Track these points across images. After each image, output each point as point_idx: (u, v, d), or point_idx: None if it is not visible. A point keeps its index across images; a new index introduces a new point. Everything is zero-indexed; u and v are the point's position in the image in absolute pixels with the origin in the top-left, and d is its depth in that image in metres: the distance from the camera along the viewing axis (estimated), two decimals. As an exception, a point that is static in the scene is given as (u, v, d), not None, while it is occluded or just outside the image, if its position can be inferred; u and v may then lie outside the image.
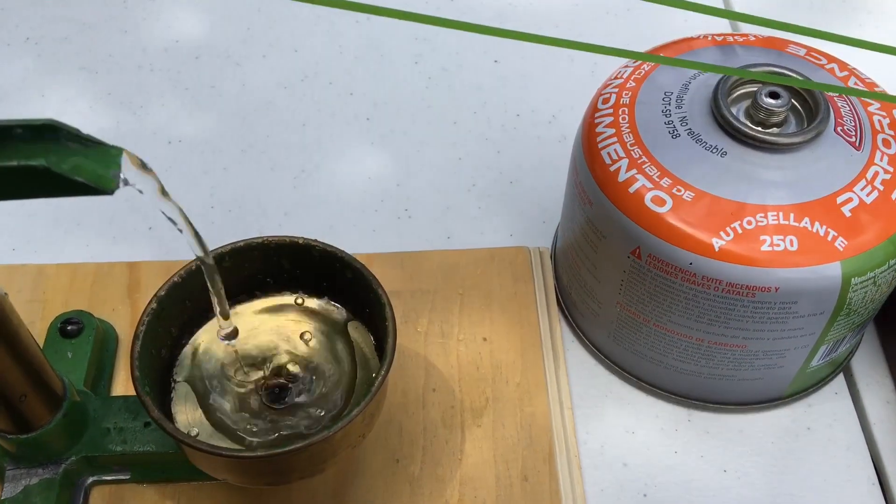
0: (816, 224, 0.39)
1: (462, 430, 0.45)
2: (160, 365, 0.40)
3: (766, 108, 0.40)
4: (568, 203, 0.47)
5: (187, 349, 0.41)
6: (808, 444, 0.46)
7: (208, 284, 0.36)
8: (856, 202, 0.39)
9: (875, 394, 0.47)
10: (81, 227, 0.54)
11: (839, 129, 0.41)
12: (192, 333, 0.41)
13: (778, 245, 0.38)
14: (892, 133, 0.42)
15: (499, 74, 0.63)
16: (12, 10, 0.66)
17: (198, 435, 0.38)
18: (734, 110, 0.41)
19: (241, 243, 0.41)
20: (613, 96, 0.44)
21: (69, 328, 0.45)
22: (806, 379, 0.46)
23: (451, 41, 0.64)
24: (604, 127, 0.43)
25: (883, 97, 0.41)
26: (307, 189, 0.56)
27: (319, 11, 0.65)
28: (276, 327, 0.42)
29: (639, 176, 0.40)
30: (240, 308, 0.43)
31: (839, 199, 0.39)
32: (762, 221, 0.39)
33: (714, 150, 0.40)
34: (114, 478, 0.42)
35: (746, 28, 0.65)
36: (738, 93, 0.42)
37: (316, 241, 0.41)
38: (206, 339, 0.42)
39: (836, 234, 0.39)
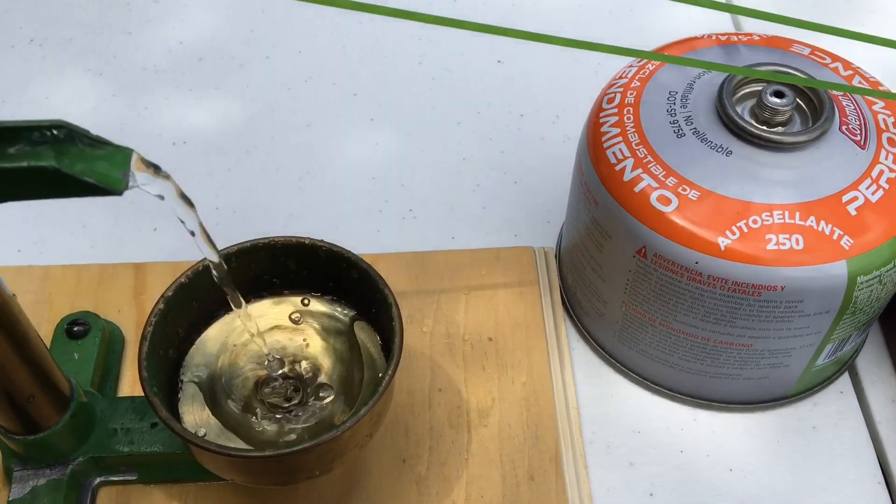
0: (822, 223, 0.39)
1: (468, 430, 0.45)
2: (167, 365, 0.40)
3: (771, 108, 0.40)
4: (573, 203, 0.47)
5: (194, 350, 0.41)
6: (813, 443, 0.46)
7: (220, 284, 0.36)
8: (861, 201, 0.39)
9: (881, 392, 0.48)
10: (87, 228, 0.54)
11: (844, 127, 0.41)
12: (198, 334, 0.41)
13: (784, 244, 0.38)
14: (897, 132, 0.42)
15: (502, 75, 0.63)
16: (17, 11, 0.66)
17: (205, 435, 0.38)
18: (739, 109, 0.41)
19: (248, 244, 0.41)
20: (618, 96, 0.44)
21: (76, 329, 0.45)
22: (811, 378, 0.46)
23: (454, 42, 0.64)
24: (609, 126, 0.43)
25: (888, 95, 0.41)
26: (312, 190, 0.56)
27: (323, 12, 0.65)
28: (282, 327, 0.42)
29: (644, 175, 0.41)
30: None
31: (844, 198, 0.39)
32: (768, 220, 0.39)
33: (719, 150, 0.40)
34: (121, 478, 0.42)
35: (750, 27, 0.65)
36: (743, 92, 0.42)
37: (322, 241, 0.41)
38: (214, 339, 0.42)
39: (841, 233, 0.39)
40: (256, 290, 0.43)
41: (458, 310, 0.49)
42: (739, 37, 0.46)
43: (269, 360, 0.41)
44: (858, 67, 0.45)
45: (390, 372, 0.37)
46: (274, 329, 0.42)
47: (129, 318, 0.48)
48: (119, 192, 0.28)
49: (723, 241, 0.39)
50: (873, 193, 0.39)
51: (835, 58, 0.45)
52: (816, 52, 0.45)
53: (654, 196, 0.40)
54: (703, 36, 0.46)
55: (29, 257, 0.52)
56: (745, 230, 0.39)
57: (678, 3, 0.37)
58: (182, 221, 0.33)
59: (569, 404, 0.46)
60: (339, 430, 0.35)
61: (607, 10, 0.67)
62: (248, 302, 0.42)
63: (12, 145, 0.27)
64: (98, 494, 0.42)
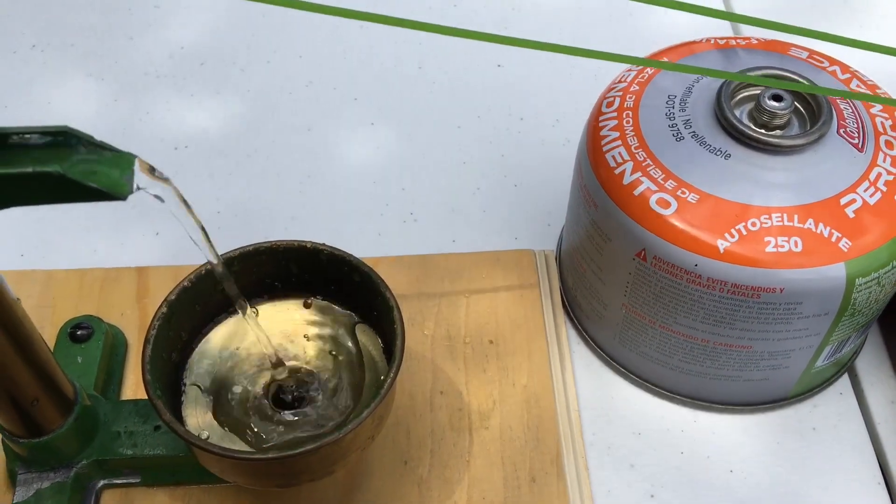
0: (820, 225, 0.39)
1: (470, 433, 0.45)
2: (170, 369, 0.40)
3: (770, 111, 0.40)
4: (573, 206, 0.47)
5: (197, 353, 0.41)
6: (813, 444, 0.46)
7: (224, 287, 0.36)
8: (859, 203, 0.39)
9: (880, 393, 0.48)
10: (89, 232, 0.54)
11: (842, 130, 0.41)
12: (201, 337, 0.42)
13: (782, 246, 0.39)
14: (894, 135, 0.42)
15: (502, 78, 0.63)
16: (18, 17, 0.67)
17: (208, 438, 0.39)
18: (737, 113, 0.41)
19: (250, 247, 0.41)
20: (617, 100, 0.44)
21: (79, 333, 0.45)
22: (811, 379, 0.46)
23: (454, 46, 0.65)
24: (608, 130, 0.43)
25: (885, 101, 0.41)
26: (313, 193, 0.57)
27: (323, 17, 0.66)
28: (284, 331, 0.42)
29: (643, 178, 0.41)
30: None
31: (843, 201, 0.39)
32: (766, 223, 0.39)
33: (718, 153, 0.41)
34: (124, 481, 0.43)
35: (748, 31, 0.65)
36: (742, 95, 0.42)
37: (324, 244, 0.41)
38: (217, 342, 0.42)
39: (840, 235, 0.39)
40: (258, 293, 0.43)
41: (459, 312, 0.49)
42: (738, 40, 0.47)
43: (270, 363, 0.41)
44: (856, 71, 0.45)
45: (392, 375, 0.37)
46: (276, 332, 0.42)
47: (132, 322, 0.49)
48: (123, 197, 0.28)
49: (722, 244, 0.39)
50: (871, 196, 0.40)
51: (833, 61, 0.45)
52: (814, 56, 0.45)
53: (653, 199, 0.40)
54: (702, 40, 0.47)
55: (32, 261, 0.53)
56: (744, 233, 0.39)
57: (676, 6, 0.37)
58: (182, 224, 0.33)
59: (569, 406, 0.46)
60: (341, 432, 0.35)
61: (606, 13, 0.67)
62: (250, 306, 0.43)
63: (18, 151, 0.27)
64: (102, 497, 0.43)
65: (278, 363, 0.41)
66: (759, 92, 0.41)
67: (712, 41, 0.46)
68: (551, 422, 0.45)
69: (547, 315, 0.49)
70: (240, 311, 0.38)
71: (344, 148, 0.59)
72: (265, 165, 0.58)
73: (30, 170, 0.27)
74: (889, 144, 0.41)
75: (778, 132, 0.41)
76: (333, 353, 0.42)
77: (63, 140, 0.28)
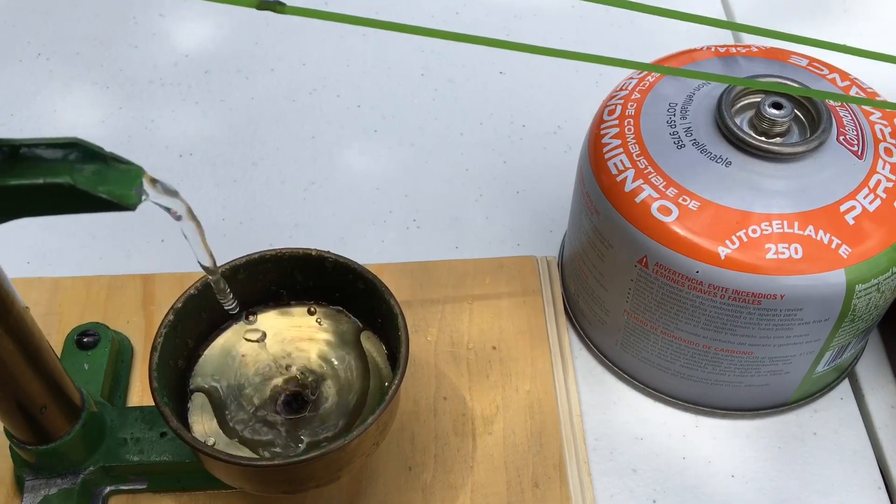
0: (820, 232, 0.39)
1: (473, 438, 0.45)
2: (177, 375, 0.40)
3: (770, 119, 0.41)
4: (575, 213, 0.48)
5: (202, 360, 0.42)
6: (814, 449, 0.46)
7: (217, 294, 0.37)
8: (859, 210, 0.40)
9: (880, 398, 0.48)
10: (95, 239, 0.55)
11: (841, 138, 0.42)
12: (207, 344, 0.42)
13: (783, 253, 0.39)
14: (893, 142, 0.42)
15: (504, 86, 0.64)
16: (24, 26, 0.67)
17: (214, 444, 0.39)
18: (738, 120, 0.42)
19: (256, 255, 0.41)
20: (619, 107, 0.45)
21: (85, 340, 0.46)
22: (812, 384, 0.46)
23: (456, 53, 0.65)
24: (610, 138, 0.44)
25: (884, 105, 0.41)
26: (317, 200, 0.57)
27: (327, 25, 0.66)
28: (289, 338, 0.43)
29: (645, 186, 0.41)
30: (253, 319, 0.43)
31: (842, 208, 0.40)
32: (767, 230, 0.39)
33: (718, 160, 0.41)
34: (130, 487, 0.43)
35: (749, 39, 0.66)
36: (742, 103, 0.43)
37: (329, 252, 0.41)
38: (222, 349, 0.42)
39: (840, 242, 0.39)
40: (264, 300, 0.43)
41: (463, 319, 0.50)
42: (738, 48, 0.47)
43: (276, 370, 0.42)
44: (856, 78, 0.45)
45: (397, 381, 0.37)
46: (281, 339, 0.43)
47: (138, 329, 0.49)
48: (132, 208, 0.28)
49: (723, 251, 0.39)
50: (871, 203, 0.40)
51: (832, 69, 0.46)
52: (814, 64, 0.46)
53: (654, 206, 0.41)
54: (703, 48, 0.47)
55: (38, 269, 0.53)
56: (745, 239, 0.39)
57: (678, 16, 0.37)
58: (185, 237, 0.34)
59: (572, 412, 0.46)
60: (346, 439, 0.36)
61: (608, 20, 0.68)
62: (255, 313, 0.43)
63: (29, 162, 0.28)
64: (108, 503, 0.43)
65: (283, 370, 0.41)
66: (759, 100, 0.42)
67: (713, 49, 0.47)
68: (554, 427, 0.46)
69: (549, 321, 0.50)
70: (242, 320, 0.39)
71: (347, 155, 0.60)
72: (269, 173, 0.58)
73: (41, 181, 0.27)
74: (888, 151, 0.42)
75: (778, 140, 0.41)
76: (338, 359, 0.42)
77: (73, 151, 0.28)
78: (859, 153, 0.41)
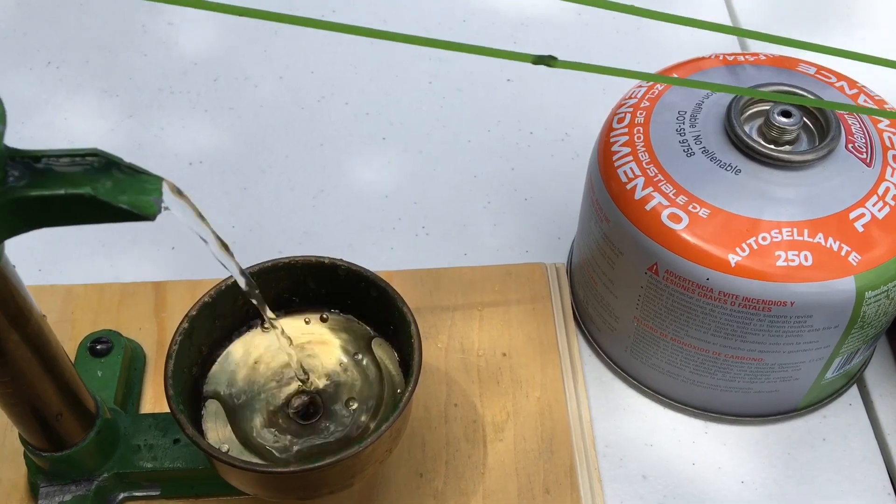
0: (830, 239, 0.40)
1: (484, 445, 0.45)
2: (191, 382, 0.41)
3: (779, 127, 0.41)
4: (584, 220, 0.48)
5: (216, 367, 0.42)
6: (823, 455, 0.46)
7: (251, 299, 0.37)
8: (868, 217, 0.40)
9: (889, 404, 0.48)
10: (106, 247, 0.55)
11: (850, 146, 0.42)
12: (221, 351, 0.42)
13: (793, 260, 0.39)
14: (902, 149, 0.43)
15: (512, 93, 0.64)
16: (34, 34, 0.67)
17: (228, 451, 0.39)
18: (747, 128, 0.42)
19: (269, 263, 0.42)
20: (628, 116, 0.45)
21: (99, 347, 0.46)
22: (821, 390, 0.46)
23: (464, 61, 0.65)
24: (619, 146, 0.44)
25: (892, 115, 0.42)
26: (326, 208, 0.57)
27: (335, 33, 0.67)
28: (301, 345, 0.43)
29: (655, 194, 0.41)
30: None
31: (852, 215, 0.40)
32: (777, 237, 0.40)
33: (728, 168, 0.41)
34: (144, 494, 0.43)
35: (755, 46, 0.66)
36: (751, 111, 0.43)
37: (341, 260, 0.42)
38: (235, 356, 0.43)
39: (849, 249, 0.39)
40: (276, 308, 0.43)
41: (472, 326, 0.50)
42: (746, 56, 0.47)
43: (288, 377, 0.42)
44: (863, 86, 0.46)
45: (410, 389, 0.38)
46: (293, 346, 0.43)
47: (150, 336, 0.49)
48: (152, 218, 0.29)
49: (733, 258, 0.40)
50: (880, 210, 0.40)
51: (840, 76, 0.46)
52: (822, 71, 0.46)
53: (664, 214, 0.41)
54: (710, 56, 0.47)
55: (50, 276, 0.53)
56: (755, 247, 0.40)
57: (685, 22, 0.38)
58: (205, 241, 0.34)
59: (582, 418, 0.47)
60: (360, 446, 0.36)
61: (613, 27, 0.68)
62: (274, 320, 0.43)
63: (49, 173, 0.28)
64: (122, 510, 0.43)
65: (296, 377, 0.42)
66: (768, 108, 0.42)
67: (721, 57, 0.47)
68: (564, 434, 0.46)
69: (559, 328, 0.50)
70: (269, 327, 0.39)
71: (356, 162, 0.60)
72: (278, 180, 0.59)
73: (62, 192, 0.28)
74: (896, 159, 0.42)
75: (787, 148, 0.42)
76: (350, 366, 0.42)
77: (94, 162, 0.29)
78: (868, 161, 0.42)
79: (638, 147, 0.43)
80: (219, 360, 0.42)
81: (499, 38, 0.67)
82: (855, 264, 0.39)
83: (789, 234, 0.40)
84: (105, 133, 0.61)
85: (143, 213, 0.28)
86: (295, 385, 0.42)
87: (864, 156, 0.42)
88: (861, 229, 0.40)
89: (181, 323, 0.39)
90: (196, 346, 0.41)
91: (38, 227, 0.29)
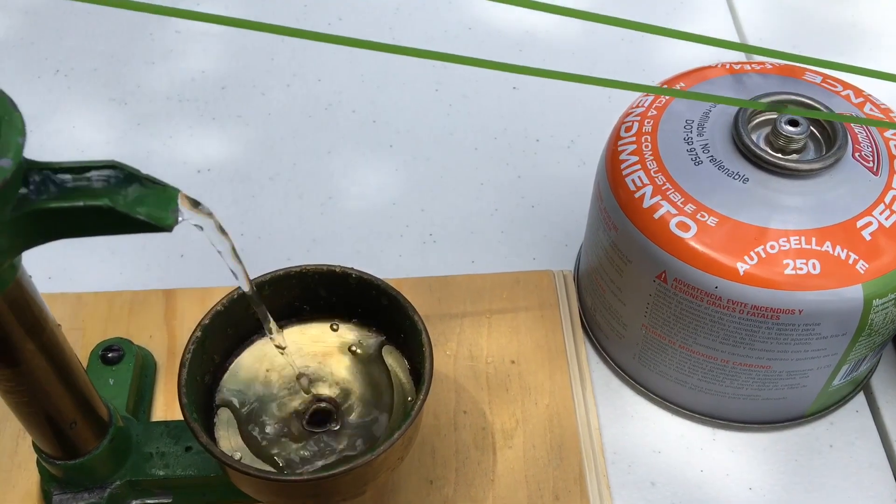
0: (837, 248, 0.40)
1: (494, 452, 0.46)
2: (203, 391, 0.41)
3: (786, 136, 0.41)
4: (592, 228, 0.48)
5: (228, 375, 0.42)
6: (831, 462, 0.47)
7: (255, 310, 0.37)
8: (875, 226, 0.40)
9: (895, 411, 0.49)
10: (115, 254, 0.55)
11: (857, 154, 0.42)
12: (233, 359, 0.43)
13: (801, 269, 0.40)
14: (908, 158, 0.43)
15: (518, 100, 0.64)
16: (42, 43, 0.68)
17: (241, 459, 0.39)
18: (754, 137, 0.42)
19: (281, 272, 0.42)
20: (636, 125, 0.45)
21: (110, 355, 0.46)
22: (828, 398, 0.47)
23: (471, 69, 0.65)
24: (627, 154, 0.44)
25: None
26: (334, 215, 0.58)
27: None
28: (312, 353, 0.43)
29: (663, 202, 0.42)
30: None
31: (859, 223, 0.40)
32: (785, 246, 0.40)
33: (736, 177, 0.42)
34: (156, 501, 0.43)
35: (761, 56, 0.66)
36: (758, 120, 0.44)
37: (352, 268, 0.42)
38: (247, 365, 0.43)
39: (857, 258, 0.40)
40: (287, 316, 0.44)
41: (481, 333, 0.50)
42: (752, 65, 0.48)
43: (300, 385, 0.42)
44: (869, 95, 0.46)
45: (422, 397, 0.38)
46: (304, 354, 0.43)
47: (161, 344, 0.50)
48: (169, 229, 0.29)
49: (741, 267, 0.40)
50: (887, 218, 0.41)
51: (846, 85, 0.46)
52: (828, 81, 0.46)
53: (673, 222, 0.41)
54: (717, 65, 0.48)
55: (59, 284, 0.54)
56: (763, 255, 0.40)
57: (694, 39, 0.38)
58: (219, 252, 0.35)
59: (591, 425, 0.47)
60: (372, 454, 0.36)
61: (619, 36, 0.68)
62: (280, 329, 0.43)
63: (68, 185, 0.28)
64: (134, 517, 0.43)
65: (308, 385, 0.42)
66: (775, 117, 0.42)
67: (727, 66, 0.48)
68: (573, 441, 0.46)
69: (567, 335, 0.50)
70: (269, 336, 0.39)
71: (363, 170, 0.60)
72: (287, 188, 0.59)
73: (80, 204, 0.28)
74: (903, 168, 0.42)
75: (794, 156, 0.42)
76: (361, 374, 0.43)
77: (112, 174, 0.29)
78: (875, 169, 0.42)
79: (646, 156, 0.44)
80: (230, 368, 0.42)
81: (504, 46, 0.67)
82: (862, 272, 0.40)
83: (797, 242, 0.40)
84: (113, 141, 0.61)
85: (160, 225, 0.29)
86: (305, 393, 0.42)
87: (871, 164, 0.42)
88: (868, 237, 0.40)
89: (194, 332, 0.40)
90: (208, 355, 0.41)
91: (56, 238, 0.29)
